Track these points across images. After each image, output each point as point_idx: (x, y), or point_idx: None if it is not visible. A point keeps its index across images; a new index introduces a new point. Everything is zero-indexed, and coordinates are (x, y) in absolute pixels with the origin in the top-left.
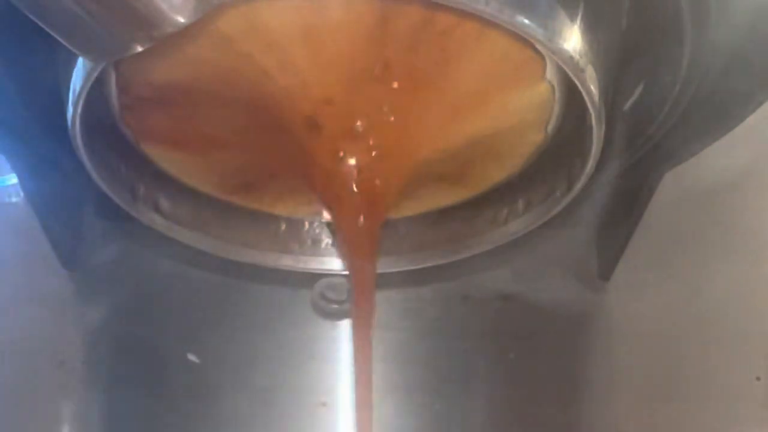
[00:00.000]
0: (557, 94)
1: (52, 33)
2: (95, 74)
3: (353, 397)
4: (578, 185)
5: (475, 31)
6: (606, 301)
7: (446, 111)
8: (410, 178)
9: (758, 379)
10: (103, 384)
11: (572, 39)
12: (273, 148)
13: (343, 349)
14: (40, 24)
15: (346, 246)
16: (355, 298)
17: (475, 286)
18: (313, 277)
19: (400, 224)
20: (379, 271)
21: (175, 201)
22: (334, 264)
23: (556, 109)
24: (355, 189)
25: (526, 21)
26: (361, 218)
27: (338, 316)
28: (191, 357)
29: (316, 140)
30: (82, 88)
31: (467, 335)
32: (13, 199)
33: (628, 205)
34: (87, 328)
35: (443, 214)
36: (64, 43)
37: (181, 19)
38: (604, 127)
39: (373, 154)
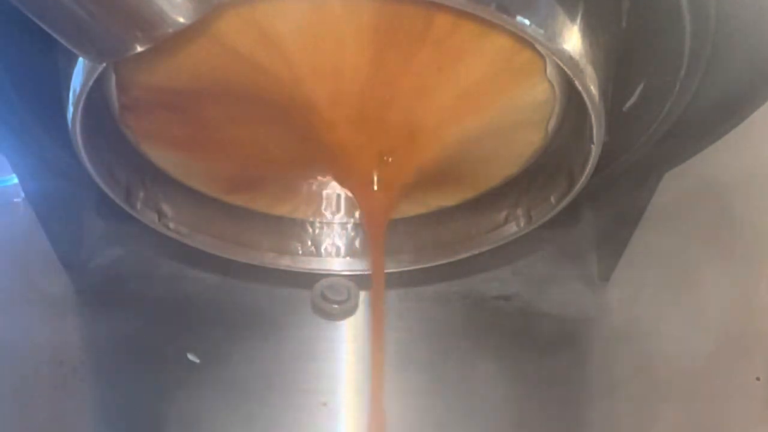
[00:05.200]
0: (557, 94)
1: (52, 33)
2: (95, 74)
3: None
4: (578, 185)
5: (475, 31)
6: (606, 301)
7: (446, 110)
8: (408, 176)
9: (758, 379)
10: (103, 384)
11: (572, 39)
12: (272, 146)
13: (343, 350)
14: (40, 24)
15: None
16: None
17: (475, 286)
18: (313, 277)
19: (400, 224)
20: None
21: (174, 201)
22: (334, 264)
23: (556, 109)
24: (350, 185)
25: (526, 22)
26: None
27: (338, 316)
28: (191, 357)
29: (317, 134)
30: (82, 88)
31: (467, 335)
32: (14, 200)
33: (628, 205)
34: (87, 328)
35: (444, 215)
36: (64, 43)
37: (181, 20)
38: (604, 127)
39: (372, 151)
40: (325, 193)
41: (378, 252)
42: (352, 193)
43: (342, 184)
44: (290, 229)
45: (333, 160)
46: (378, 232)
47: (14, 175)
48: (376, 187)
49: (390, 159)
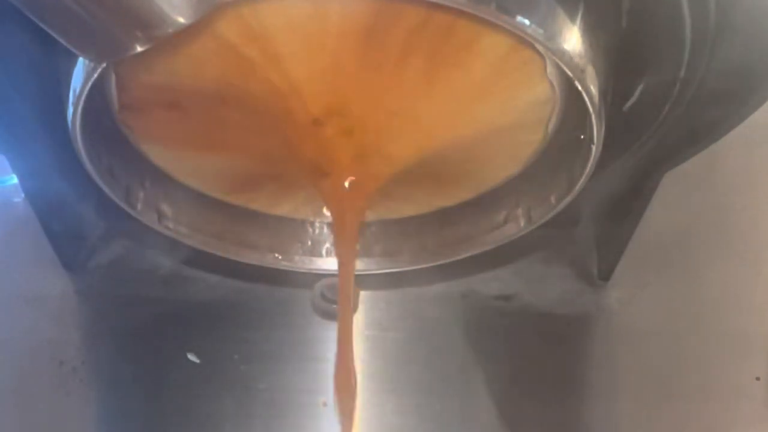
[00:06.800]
0: (557, 94)
1: (52, 33)
2: (95, 74)
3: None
4: (578, 186)
5: (475, 31)
6: (606, 301)
7: (446, 110)
8: (403, 173)
9: (758, 379)
10: (103, 384)
11: (572, 39)
12: (271, 146)
13: None
14: (40, 24)
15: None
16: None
17: (475, 286)
18: (313, 277)
19: (400, 224)
20: (380, 271)
21: (174, 201)
22: (334, 264)
23: (556, 108)
24: (347, 181)
25: (526, 22)
26: (348, 203)
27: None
28: (191, 357)
29: (315, 136)
30: (82, 88)
31: (467, 335)
32: (14, 199)
33: (628, 205)
34: (87, 328)
35: (443, 215)
36: (64, 43)
37: (181, 20)
38: (604, 127)
39: (371, 150)
40: None
41: (348, 254)
42: (333, 195)
43: (327, 188)
44: (290, 229)
45: (325, 160)
46: (350, 234)
47: (14, 175)
48: (363, 188)
49: (387, 159)
